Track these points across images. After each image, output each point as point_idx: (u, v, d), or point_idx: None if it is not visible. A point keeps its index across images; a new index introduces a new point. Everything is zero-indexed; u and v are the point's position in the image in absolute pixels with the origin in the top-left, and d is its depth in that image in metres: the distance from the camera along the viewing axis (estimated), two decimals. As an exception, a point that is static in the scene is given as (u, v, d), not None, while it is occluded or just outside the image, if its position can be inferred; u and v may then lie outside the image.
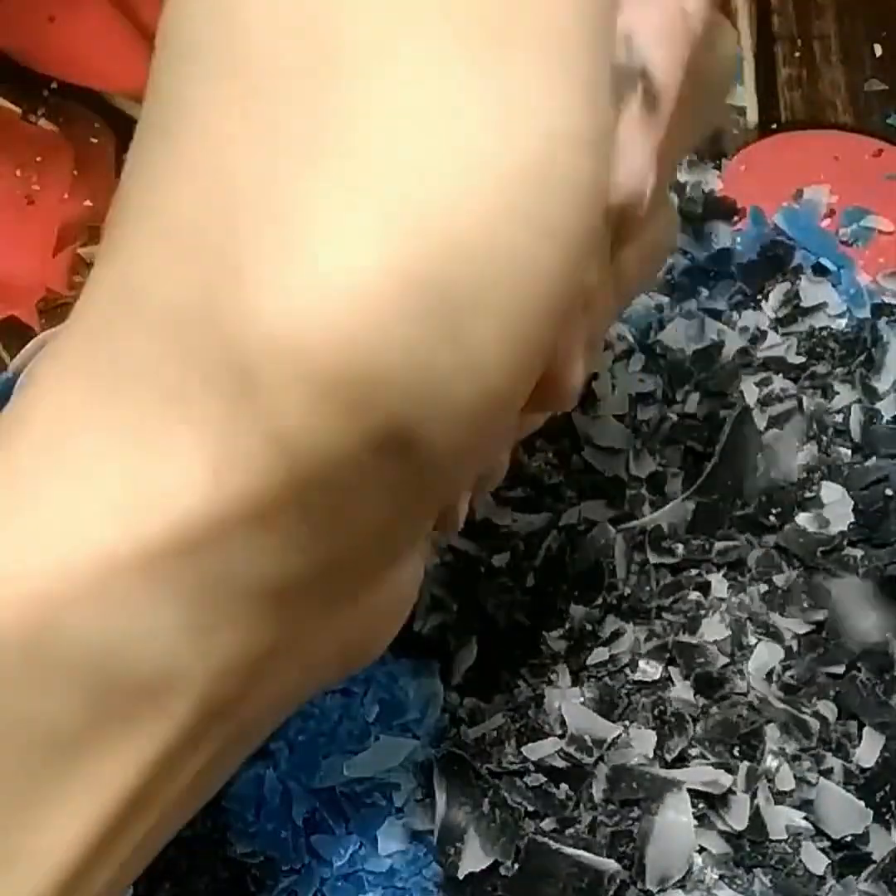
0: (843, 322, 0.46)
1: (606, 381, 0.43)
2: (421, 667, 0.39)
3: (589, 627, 0.39)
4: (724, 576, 0.41)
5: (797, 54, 0.54)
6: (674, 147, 0.25)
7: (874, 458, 0.43)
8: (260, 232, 0.19)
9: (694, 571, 0.40)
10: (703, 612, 0.40)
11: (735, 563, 0.41)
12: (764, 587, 0.41)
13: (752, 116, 0.53)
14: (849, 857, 0.37)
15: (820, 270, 0.47)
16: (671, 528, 0.41)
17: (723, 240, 0.47)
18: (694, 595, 0.40)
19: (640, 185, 0.23)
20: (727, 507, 0.41)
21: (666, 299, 0.45)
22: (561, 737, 0.37)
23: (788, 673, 0.39)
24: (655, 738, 0.38)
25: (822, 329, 0.45)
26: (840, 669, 0.40)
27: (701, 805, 0.37)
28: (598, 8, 0.20)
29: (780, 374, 0.44)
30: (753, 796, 0.37)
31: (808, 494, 0.42)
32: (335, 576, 0.22)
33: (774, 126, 0.53)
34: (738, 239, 0.47)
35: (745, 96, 0.53)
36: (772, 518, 0.41)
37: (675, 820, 0.36)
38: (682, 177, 0.49)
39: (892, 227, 0.50)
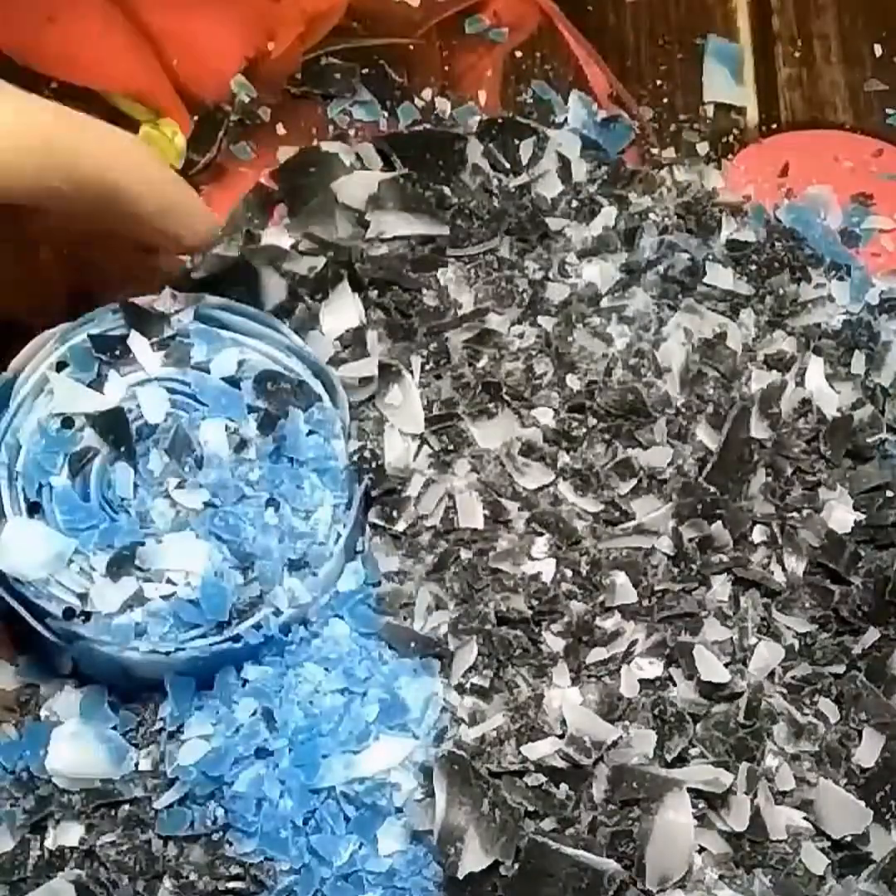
0: (844, 319, 0.46)
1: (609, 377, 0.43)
2: (421, 667, 0.39)
3: (588, 626, 0.39)
4: (726, 576, 0.41)
5: (797, 54, 0.54)
6: None
7: (877, 459, 0.43)
8: None
9: (695, 571, 0.40)
10: (704, 612, 0.40)
11: (736, 563, 0.41)
12: (765, 587, 0.40)
13: (752, 116, 0.53)
14: (849, 856, 0.37)
15: (823, 268, 0.47)
16: (671, 527, 0.41)
17: (725, 237, 0.47)
18: (695, 595, 0.40)
19: None
20: (728, 504, 0.41)
21: (667, 296, 0.45)
22: (560, 737, 0.37)
23: (789, 673, 0.39)
24: (655, 738, 0.37)
25: (824, 326, 0.45)
26: (840, 669, 0.40)
27: (701, 805, 0.37)
28: None
29: (782, 371, 0.44)
30: (754, 796, 0.37)
31: (809, 493, 0.42)
32: None
33: (774, 126, 0.53)
34: (740, 237, 0.47)
35: (745, 96, 0.53)
36: (774, 517, 0.41)
37: (675, 820, 0.36)
38: (682, 176, 0.49)
39: (892, 226, 0.50)
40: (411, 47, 0.52)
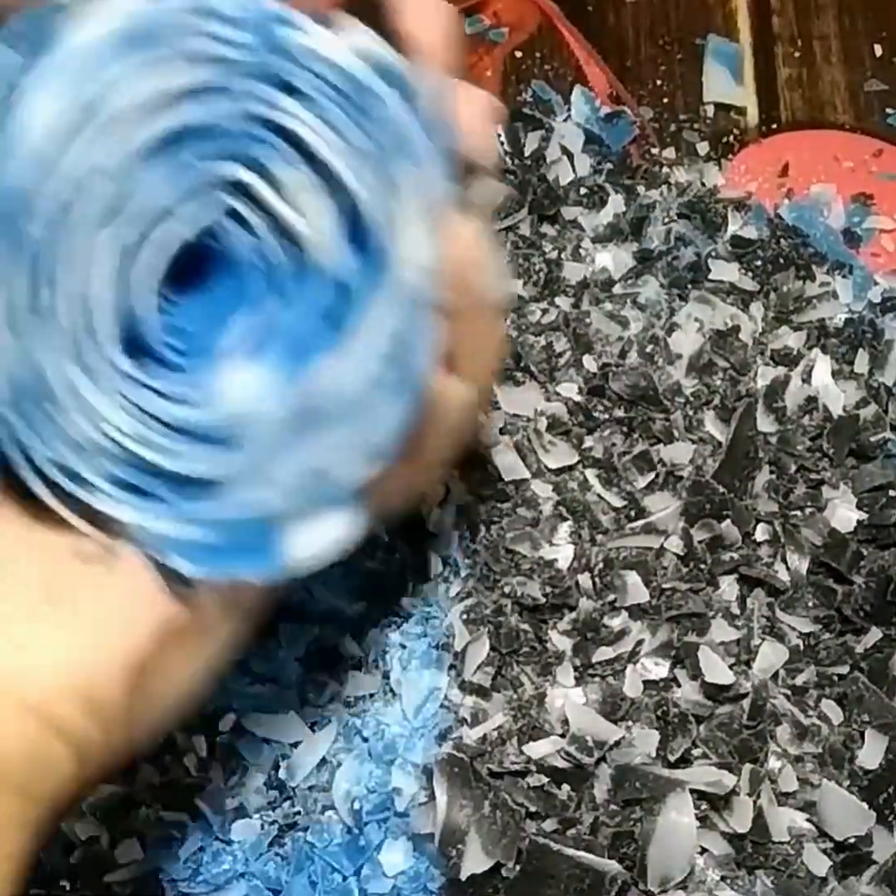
0: (847, 318, 0.46)
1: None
2: (432, 659, 0.38)
3: (595, 624, 0.39)
4: (733, 576, 0.40)
5: (797, 54, 0.54)
6: None
7: (880, 458, 0.43)
8: None
9: (704, 570, 0.40)
10: (711, 612, 0.40)
11: (744, 560, 0.40)
12: (769, 586, 0.40)
13: (752, 116, 0.53)
14: (851, 858, 0.37)
15: (827, 266, 0.47)
16: (681, 526, 0.40)
17: (728, 234, 0.47)
18: (702, 595, 0.40)
19: None
20: (734, 503, 0.41)
21: (678, 285, 0.45)
22: (562, 736, 0.37)
23: (793, 675, 0.39)
24: (658, 738, 0.37)
25: (824, 325, 0.45)
26: (844, 670, 0.39)
27: (704, 806, 0.37)
28: None
29: (788, 367, 0.44)
30: (756, 798, 0.37)
31: (812, 492, 0.42)
32: None
33: (774, 126, 0.52)
34: (744, 234, 0.47)
35: (745, 96, 0.53)
36: (777, 515, 0.41)
37: (677, 821, 0.36)
38: (683, 176, 0.49)
39: (893, 226, 0.50)
40: (411, 46, 0.52)
